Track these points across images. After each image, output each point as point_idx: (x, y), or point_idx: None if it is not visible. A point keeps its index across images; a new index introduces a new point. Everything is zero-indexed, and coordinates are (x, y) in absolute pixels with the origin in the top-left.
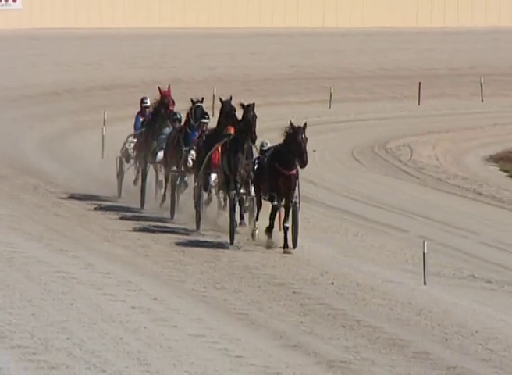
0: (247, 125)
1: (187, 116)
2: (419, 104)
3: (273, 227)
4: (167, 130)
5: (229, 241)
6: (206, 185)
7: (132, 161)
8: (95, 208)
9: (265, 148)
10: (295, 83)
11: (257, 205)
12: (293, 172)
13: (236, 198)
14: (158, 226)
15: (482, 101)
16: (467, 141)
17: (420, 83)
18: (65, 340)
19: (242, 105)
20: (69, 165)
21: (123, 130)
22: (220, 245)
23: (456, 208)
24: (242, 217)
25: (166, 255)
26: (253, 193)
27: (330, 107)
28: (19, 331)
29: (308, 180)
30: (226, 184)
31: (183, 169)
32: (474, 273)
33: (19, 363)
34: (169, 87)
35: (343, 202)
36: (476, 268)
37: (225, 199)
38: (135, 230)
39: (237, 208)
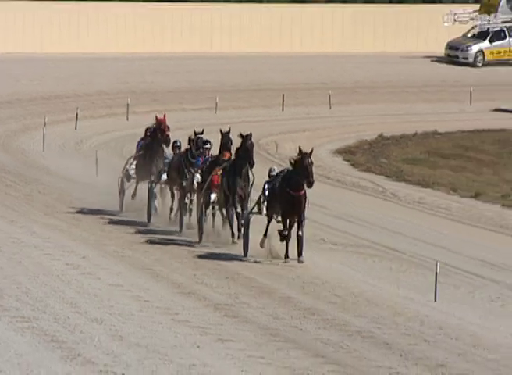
0: (245, 152)
1: (189, 144)
2: (283, 110)
3: (286, 237)
4: (170, 156)
5: (242, 253)
6: (207, 203)
7: (132, 180)
8: (38, 190)
9: (274, 173)
10: (190, 94)
11: (268, 221)
12: (302, 193)
13: (248, 216)
14: (86, 205)
15: (330, 108)
16: (319, 138)
17: (283, 94)
18: (15, 289)
19: (241, 135)
20: (17, 156)
21: (59, 130)
22: (133, 222)
23: (310, 189)
24: (239, 230)
25: (93, 224)
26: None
27: (216, 112)
28: None
29: None
30: (225, 202)
31: (187, 189)
32: (324, 238)
33: None
34: (165, 115)
35: None
36: (326, 234)
37: (223, 215)
38: (69, 206)
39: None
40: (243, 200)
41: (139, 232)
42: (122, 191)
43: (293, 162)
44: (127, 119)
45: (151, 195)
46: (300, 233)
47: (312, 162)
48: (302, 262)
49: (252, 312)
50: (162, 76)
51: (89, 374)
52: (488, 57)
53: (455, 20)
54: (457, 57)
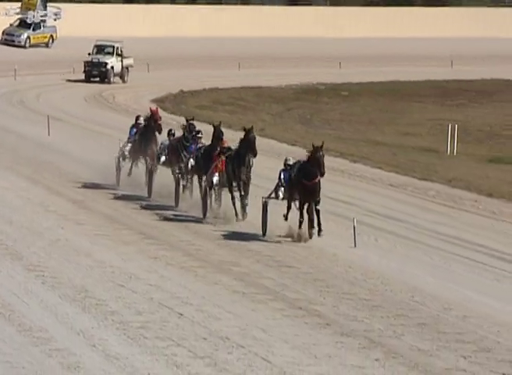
0: (249, 143)
1: (183, 130)
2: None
3: (302, 222)
4: (166, 142)
5: (261, 233)
6: (211, 185)
7: (127, 160)
8: None
9: (290, 163)
10: (51, 64)
11: (288, 208)
12: (316, 181)
13: (267, 201)
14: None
15: (148, 72)
16: (141, 91)
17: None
18: None
19: (244, 129)
20: None
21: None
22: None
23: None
24: (242, 208)
25: (37, 170)
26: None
27: (73, 73)
28: None
29: (67, 114)
30: (229, 185)
31: (183, 171)
32: None
33: None
34: (157, 108)
35: (88, 128)
36: None
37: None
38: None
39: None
40: (246, 184)
41: (56, 167)
42: (118, 169)
43: (308, 154)
44: (15, 79)
45: (152, 175)
46: (314, 223)
47: (323, 155)
48: (321, 235)
49: (98, 206)
50: (35, 52)
51: None
52: (33, 41)
53: (6, 14)
54: (13, 41)
